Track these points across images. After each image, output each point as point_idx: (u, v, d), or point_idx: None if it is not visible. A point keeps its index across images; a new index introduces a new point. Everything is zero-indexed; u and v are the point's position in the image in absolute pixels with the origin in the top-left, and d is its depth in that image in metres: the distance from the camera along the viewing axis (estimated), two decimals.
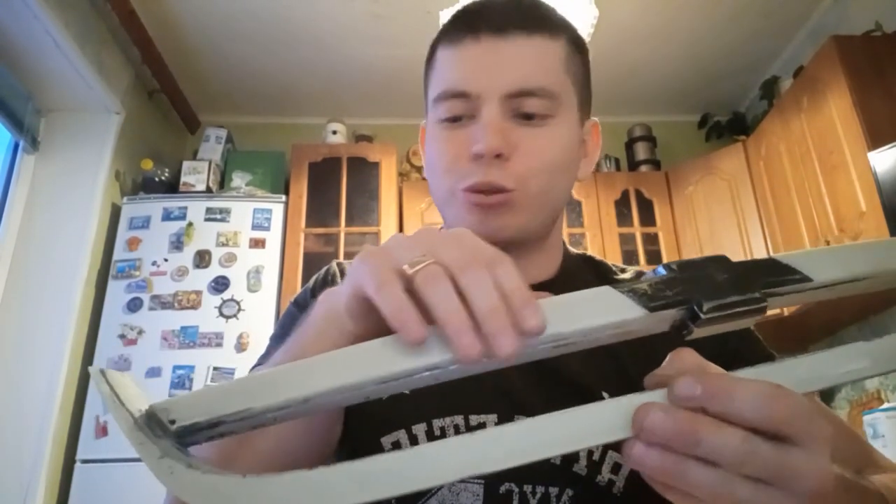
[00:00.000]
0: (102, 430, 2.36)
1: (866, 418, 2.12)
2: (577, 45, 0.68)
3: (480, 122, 0.62)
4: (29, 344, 2.39)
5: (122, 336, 2.50)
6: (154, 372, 2.44)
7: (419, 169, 3.25)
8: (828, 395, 2.86)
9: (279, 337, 0.68)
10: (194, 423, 0.30)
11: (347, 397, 0.32)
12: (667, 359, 0.36)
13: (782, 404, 0.30)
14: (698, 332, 0.34)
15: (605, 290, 0.34)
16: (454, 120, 0.64)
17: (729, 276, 0.34)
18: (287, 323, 0.71)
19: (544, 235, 0.70)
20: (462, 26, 0.65)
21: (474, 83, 0.62)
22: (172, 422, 0.30)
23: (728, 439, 0.29)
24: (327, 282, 0.73)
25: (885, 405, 2.21)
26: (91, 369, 0.33)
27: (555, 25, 0.66)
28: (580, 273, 0.74)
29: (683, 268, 0.35)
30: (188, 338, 2.52)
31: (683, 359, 0.35)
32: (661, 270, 0.35)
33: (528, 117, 0.62)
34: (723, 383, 0.30)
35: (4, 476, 2.22)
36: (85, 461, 2.33)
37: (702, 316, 0.33)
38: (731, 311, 0.33)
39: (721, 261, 0.35)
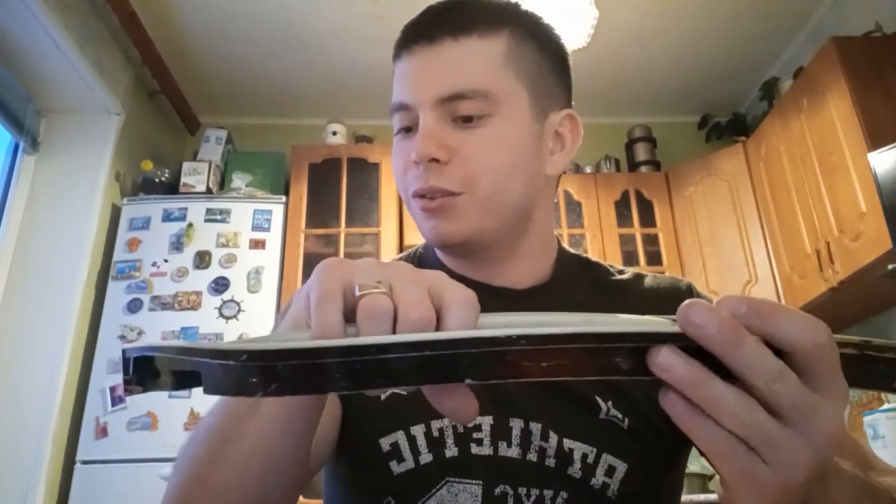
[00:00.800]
0: (102, 431, 2.36)
1: (867, 419, 2.12)
2: (526, 37, 0.66)
3: (418, 130, 0.63)
4: (29, 344, 2.39)
5: (122, 337, 2.50)
6: None
7: None
8: None
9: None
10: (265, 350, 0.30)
11: None
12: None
13: (824, 338, 0.29)
14: None
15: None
16: (406, 131, 0.66)
17: None
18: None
19: (515, 239, 0.68)
20: (402, 41, 0.67)
21: (410, 94, 0.64)
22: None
23: (766, 354, 0.29)
24: None
25: (886, 406, 2.21)
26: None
27: (490, 23, 0.65)
28: (574, 278, 0.73)
29: None
30: (188, 339, 2.51)
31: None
32: None
33: (466, 120, 0.63)
34: (769, 304, 0.30)
35: (4, 477, 2.22)
36: (85, 462, 2.33)
37: None
38: None
39: None
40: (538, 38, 0.68)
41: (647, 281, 0.74)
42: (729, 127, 3.43)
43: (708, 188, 3.07)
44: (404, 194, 0.67)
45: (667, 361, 0.29)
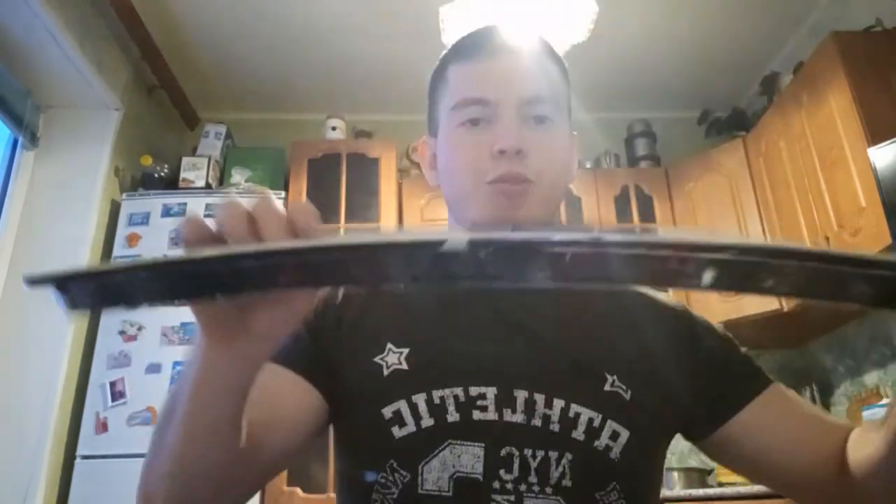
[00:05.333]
0: (102, 426, 2.37)
1: (866, 414, 2.13)
2: (566, 72, 0.78)
3: (500, 124, 0.70)
4: (29, 339, 2.39)
5: (122, 332, 2.50)
6: (154, 368, 2.44)
7: (419, 165, 3.24)
8: (826, 391, 2.87)
9: None
10: (76, 272, 0.34)
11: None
12: None
13: None
14: None
15: None
16: (473, 123, 0.71)
17: None
18: None
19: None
20: (474, 45, 0.75)
21: (493, 91, 0.71)
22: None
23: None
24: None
25: (885, 400, 2.22)
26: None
27: (553, 50, 0.77)
28: None
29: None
30: (188, 334, 2.52)
31: None
32: None
33: (538, 120, 0.71)
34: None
35: (5, 473, 2.23)
36: (85, 457, 2.33)
37: None
38: None
39: None
40: (564, 67, 0.79)
41: None
42: (729, 122, 3.41)
43: (708, 183, 3.07)
44: (472, 182, 0.71)
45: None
